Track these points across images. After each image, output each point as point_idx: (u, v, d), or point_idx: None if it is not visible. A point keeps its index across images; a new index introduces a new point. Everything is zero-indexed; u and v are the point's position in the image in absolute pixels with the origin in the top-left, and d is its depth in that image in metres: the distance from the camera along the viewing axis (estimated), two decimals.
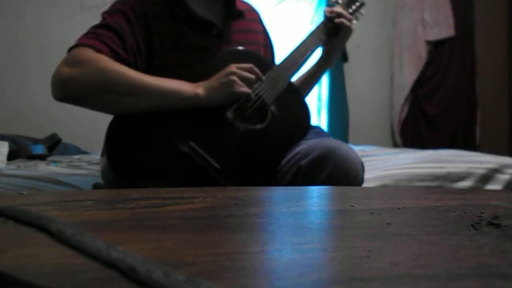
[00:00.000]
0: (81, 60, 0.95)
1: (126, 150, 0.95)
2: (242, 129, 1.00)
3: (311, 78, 1.21)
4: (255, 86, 1.01)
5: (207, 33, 1.07)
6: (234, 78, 0.96)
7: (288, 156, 1.00)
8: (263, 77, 1.02)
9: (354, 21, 1.23)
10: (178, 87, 0.96)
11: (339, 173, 0.90)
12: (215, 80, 0.97)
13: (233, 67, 0.98)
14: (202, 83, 0.98)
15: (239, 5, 1.15)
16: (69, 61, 0.96)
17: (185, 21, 1.05)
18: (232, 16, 1.13)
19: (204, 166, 0.95)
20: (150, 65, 1.01)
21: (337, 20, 1.13)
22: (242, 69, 0.98)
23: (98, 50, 0.95)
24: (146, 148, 0.96)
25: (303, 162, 0.94)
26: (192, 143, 0.95)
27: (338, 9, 1.15)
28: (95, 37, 0.97)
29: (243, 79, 0.97)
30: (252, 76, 0.99)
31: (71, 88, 0.96)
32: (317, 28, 1.15)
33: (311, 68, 1.20)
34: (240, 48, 1.09)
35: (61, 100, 0.98)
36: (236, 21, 1.13)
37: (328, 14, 1.14)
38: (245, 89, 0.97)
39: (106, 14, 1.02)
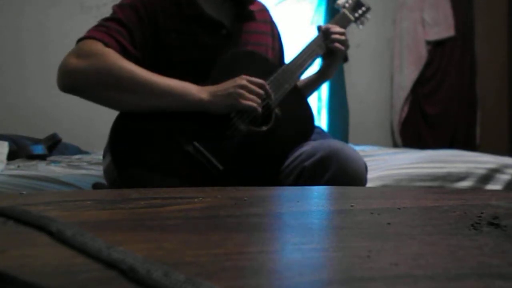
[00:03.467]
0: (89, 53, 0.95)
1: (130, 149, 0.95)
2: (246, 131, 0.99)
3: (309, 87, 1.21)
4: None
5: (215, 33, 1.06)
6: (242, 91, 0.96)
7: (292, 157, 1.00)
8: (271, 92, 1.02)
9: (360, 26, 1.24)
10: (184, 90, 0.96)
11: (343, 174, 0.90)
12: (223, 88, 0.97)
13: (244, 80, 0.97)
14: (208, 88, 0.97)
15: (250, 6, 1.14)
16: (77, 53, 0.96)
17: (194, 19, 1.05)
18: (242, 17, 1.12)
19: (207, 166, 0.95)
20: (156, 61, 1.01)
21: (332, 37, 1.12)
22: (253, 83, 0.98)
23: (107, 44, 0.96)
24: (150, 146, 0.96)
25: (307, 163, 0.93)
26: (196, 143, 0.95)
27: (333, 28, 1.14)
28: (105, 30, 0.98)
29: (252, 93, 0.97)
30: (261, 92, 0.98)
31: (77, 80, 0.96)
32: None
33: (310, 77, 1.21)
34: (247, 49, 1.08)
35: (66, 91, 0.98)
36: (246, 22, 1.13)
37: (323, 29, 1.14)
38: (250, 103, 0.96)
39: (117, 7, 1.02)
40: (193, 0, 1.06)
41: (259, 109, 0.98)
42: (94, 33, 0.98)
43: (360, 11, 1.21)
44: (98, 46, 0.95)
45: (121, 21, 0.99)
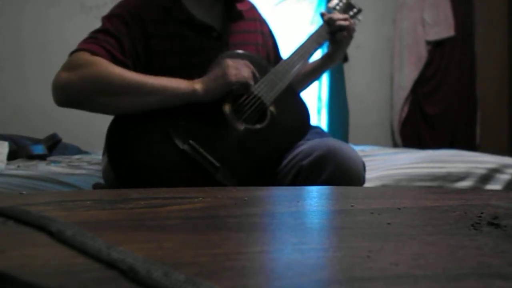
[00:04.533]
0: (78, 64, 0.97)
1: (126, 150, 0.96)
2: (241, 129, 1.00)
3: (311, 74, 1.22)
4: (255, 86, 1.02)
5: (206, 36, 1.08)
6: (231, 69, 0.97)
7: (289, 157, 1.00)
8: (260, 79, 1.03)
9: None
10: (175, 84, 0.97)
11: (341, 173, 0.90)
12: (212, 74, 0.99)
13: (229, 61, 0.99)
14: (198, 79, 0.99)
15: (238, 5, 1.15)
16: (67, 66, 0.98)
17: (184, 24, 1.06)
18: (231, 18, 1.13)
19: (204, 165, 0.95)
20: (149, 68, 1.02)
21: (337, 23, 1.15)
22: (238, 63, 1.00)
23: (95, 53, 0.97)
24: (146, 147, 0.96)
25: (304, 162, 0.93)
26: (192, 142, 0.96)
27: (335, 15, 1.16)
28: (94, 41, 1.00)
29: (240, 70, 0.99)
30: (247, 69, 1.00)
31: (70, 93, 0.98)
32: (317, 31, 1.17)
33: (313, 63, 1.22)
34: (238, 51, 1.09)
35: (62, 105, 1.00)
36: (235, 22, 1.14)
37: (326, 19, 1.17)
38: (240, 77, 0.98)
39: (105, 19, 1.04)
40: (181, 5, 1.07)
41: (251, 82, 0.99)
42: (83, 45, 0.99)
43: (351, 13, 1.24)
44: (86, 56, 0.97)
45: (108, 31, 1.00)
